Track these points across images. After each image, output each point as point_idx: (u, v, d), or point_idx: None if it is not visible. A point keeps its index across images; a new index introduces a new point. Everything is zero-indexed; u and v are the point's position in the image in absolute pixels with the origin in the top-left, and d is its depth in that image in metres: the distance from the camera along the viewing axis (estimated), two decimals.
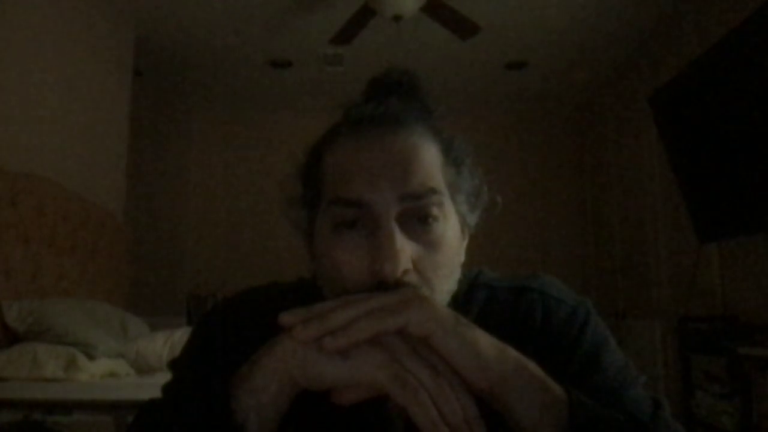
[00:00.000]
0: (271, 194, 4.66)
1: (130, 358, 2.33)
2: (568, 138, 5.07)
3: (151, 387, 0.71)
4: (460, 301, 0.60)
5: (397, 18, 2.90)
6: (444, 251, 0.53)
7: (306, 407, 0.56)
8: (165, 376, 0.63)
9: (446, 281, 0.54)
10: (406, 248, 0.50)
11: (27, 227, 2.36)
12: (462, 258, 0.58)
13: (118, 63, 3.34)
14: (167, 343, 2.36)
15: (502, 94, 4.68)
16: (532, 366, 0.47)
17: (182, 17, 3.44)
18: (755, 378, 2.30)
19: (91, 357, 2.11)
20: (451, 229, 0.54)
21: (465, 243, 0.60)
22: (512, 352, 0.47)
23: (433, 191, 0.52)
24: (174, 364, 0.62)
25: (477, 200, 0.59)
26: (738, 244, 2.79)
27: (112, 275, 3.10)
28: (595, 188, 4.70)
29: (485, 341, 0.46)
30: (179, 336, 2.40)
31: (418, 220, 0.52)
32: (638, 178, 3.88)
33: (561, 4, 3.27)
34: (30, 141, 2.51)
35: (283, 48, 3.85)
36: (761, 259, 2.63)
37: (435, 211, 0.52)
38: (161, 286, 4.55)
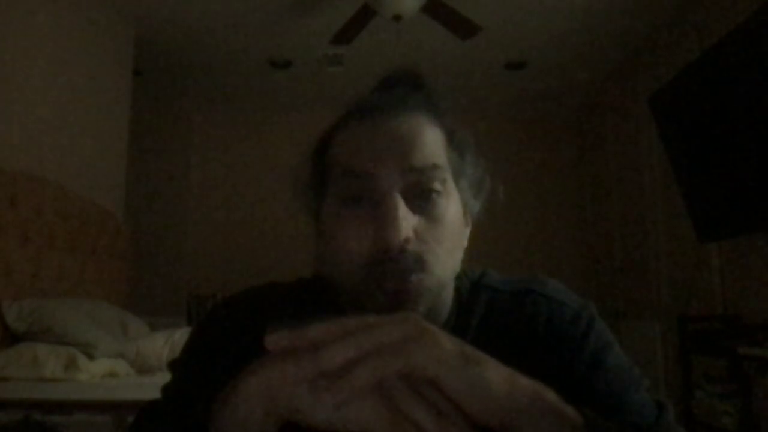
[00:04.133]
0: (271, 194, 4.66)
1: (130, 358, 2.33)
2: (568, 138, 5.07)
3: (151, 387, 0.71)
4: (464, 302, 0.60)
5: (397, 18, 2.90)
6: (446, 225, 0.54)
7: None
8: (165, 376, 0.63)
9: (449, 257, 0.54)
10: (408, 218, 0.51)
11: (27, 227, 2.36)
12: (465, 243, 0.59)
13: (118, 63, 3.34)
14: (167, 343, 2.36)
15: (502, 94, 4.68)
16: (545, 394, 0.43)
17: (182, 17, 3.44)
18: (755, 378, 2.30)
19: (91, 357, 2.11)
20: (454, 207, 0.55)
21: (468, 231, 0.60)
22: (524, 382, 0.42)
23: (436, 166, 0.54)
24: (173, 365, 0.62)
25: (480, 188, 0.60)
26: (738, 244, 2.79)
27: (112, 275, 3.10)
28: (595, 188, 4.70)
29: (496, 376, 0.41)
30: (179, 336, 2.40)
31: (421, 194, 0.53)
32: (638, 178, 3.88)
33: (561, 4, 3.27)
34: (30, 141, 2.52)
35: (283, 48, 3.85)
36: (761, 259, 2.63)
37: (438, 185, 0.54)
38: (161, 286, 4.55)
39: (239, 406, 0.41)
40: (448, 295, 0.59)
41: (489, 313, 0.60)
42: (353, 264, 0.52)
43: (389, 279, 0.51)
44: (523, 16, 3.40)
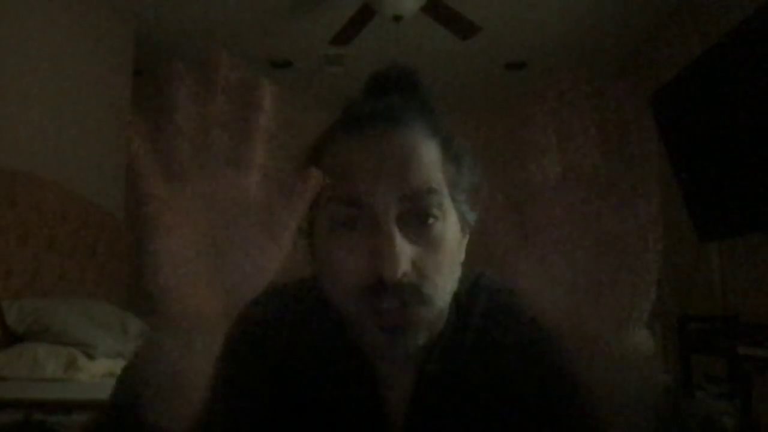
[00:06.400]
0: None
1: (130, 359, 2.33)
2: None
3: None
4: (463, 303, 0.60)
5: (397, 18, 2.90)
6: (444, 251, 0.52)
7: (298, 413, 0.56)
8: None
9: (447, 280, 0.53)
10: (405, 249, 0.49)
11: (27, 227, 2.36)
12: (462, 256, 0.58)
13: (118, 63, 3.34)
14: None
15: (502, 94, 4.68)
16: None
17: (182, 17, 3.43)
18: (755, 378, 2.30)
19: (91, 357, 2.11)
20: (451, 228, 0.54)
21: (465, 241, 0.59)
22: None
23: (433, 191, 0.52)
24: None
25: (477, 197, 0.59)
26: (738, 244, 2.78)
27: (112, 275, 3.09)
28: None
29: None
30: None
31: (417, 220, 0.51)
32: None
33: (561, 4, 3.27)
34: (30, 141, 2.51)
35: (283, 48, 3.85)
36: (761, 259, 2.63)
37: (435, 211, 0.52)
38: None
39: None
40: (446, 309, 0.58)
41: (489, 313, 0.60)
42: (348, 292, 0.51)
43: (386, 312, 0.49)
44: (523, 16, 3.40)
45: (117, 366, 2.22)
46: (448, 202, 0.54)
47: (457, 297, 0.60)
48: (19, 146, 2.43)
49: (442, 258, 0.52)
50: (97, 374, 2.10)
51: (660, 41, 3.54)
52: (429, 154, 0.53)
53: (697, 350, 2.77)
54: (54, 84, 2.72)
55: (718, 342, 2.54)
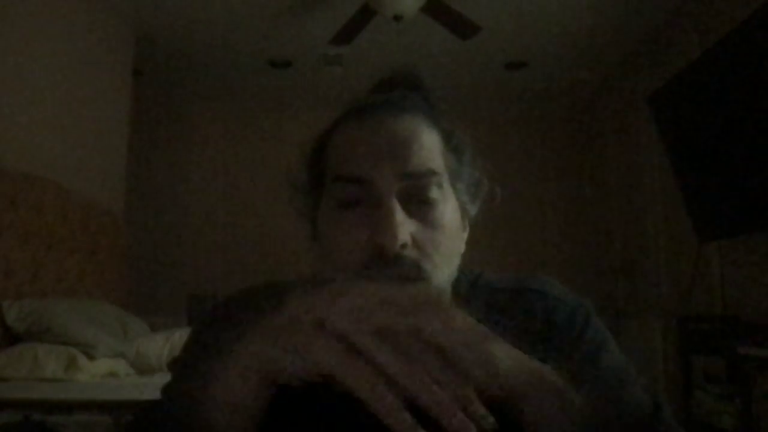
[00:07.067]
0: (271, 194, 4.66)
1: (130, 358, 2.33)
2: (568, 138, 5.07)
3: (151, 387, 0.71)
4: (462, 302, 0.60)
5: (397, 18, 2.90)
6: (443, 231, 0.53)
7: (286, 412, 0.56)
8: (165, 376, 0.63)
9: (446, 262, 0.54)
10: (405, 222, 0.51)
11: (27, 227, 2.36)
12: (462, 247, 0.59)
13: (118, 63, 3.34)
14: (167, 343, 2.37)
15: (502, 94, 4.68)
16: (552, 377, 0.44)
17: (182, 17, 3.43)
18: (755, 378, 2.30)
19: (91, 357, 2.11)
20: (451, 212, 0.55)
21: (465, 234, 0.60)
22: (532, 364, 0.43)
23: (433, 172, 0.54)
24: (173, 365, 0.62)
25: (477, 191, 0.60)
26: (738, 244, 2.78)
27: (112, 275, 3.10)
28: (595, 188, 4.70)
29: (504, 354, 0.42)
30: (179, 336, 2.40)
31: (418, 199, 0.53)
32: (638, 178, 3.88)
33: (561, 4, 3.27)
34: (30, 141, 2.51)
35: (283, 48, 3.85)
36: (761, 259, 2.63)
37: (435, 191, 0.53)
38: (161, 286, 4.55)
39: (229, 379, 0.42)
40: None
41: (487, 312, 0.60)
42: (348, 268, 0.52)
43: None
44: (523, 16, 3.40)
45: (117, 366, 2.22)
46: (448, 187, 0.56)
47: (456, 294, 0.60)
48: (19, 146, 2.43)
49: (441, 238, 0.53)
50: (97, 374, 2.10)
51: (660, 41, 3.54)
52: (430, 140, 0.55)
53: (697, 350, 2.77)
54: (55, 84, 2.72)
55: (718, 342, 2.54)
